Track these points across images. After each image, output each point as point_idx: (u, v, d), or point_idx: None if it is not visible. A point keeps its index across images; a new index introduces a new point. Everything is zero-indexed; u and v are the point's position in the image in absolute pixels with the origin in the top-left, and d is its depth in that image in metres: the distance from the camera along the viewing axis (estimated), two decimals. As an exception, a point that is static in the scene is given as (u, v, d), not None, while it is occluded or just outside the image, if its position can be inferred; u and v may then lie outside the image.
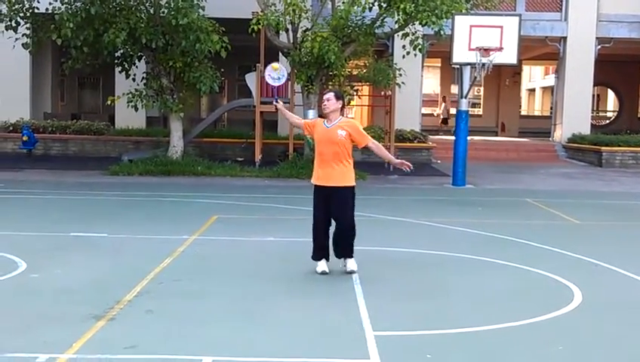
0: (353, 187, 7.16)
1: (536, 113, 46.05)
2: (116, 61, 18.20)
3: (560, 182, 17.28)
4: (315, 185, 7.20)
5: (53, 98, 26.00)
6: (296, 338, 5.26)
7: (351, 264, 7.21)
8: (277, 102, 7.75)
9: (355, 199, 7.21)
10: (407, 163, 7.27)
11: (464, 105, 15.94)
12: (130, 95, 17.62)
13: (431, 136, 22.32)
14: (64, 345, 4.91)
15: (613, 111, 37.28)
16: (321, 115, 7.34)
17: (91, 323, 5.41)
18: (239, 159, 19.65)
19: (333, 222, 7.20)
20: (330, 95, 7.18)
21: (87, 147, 21.63)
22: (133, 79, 17.96)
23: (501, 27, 14.97)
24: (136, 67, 18.24)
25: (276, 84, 7.45)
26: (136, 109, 17.96)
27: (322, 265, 7.22)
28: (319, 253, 7.28)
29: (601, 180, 17.93)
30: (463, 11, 15.82)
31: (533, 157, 23.54)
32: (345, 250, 7.22)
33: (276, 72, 7.40)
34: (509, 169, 20.16)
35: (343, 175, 7.08)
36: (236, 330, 5.39)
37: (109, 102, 18.23)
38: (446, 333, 5.45)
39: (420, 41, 17.00)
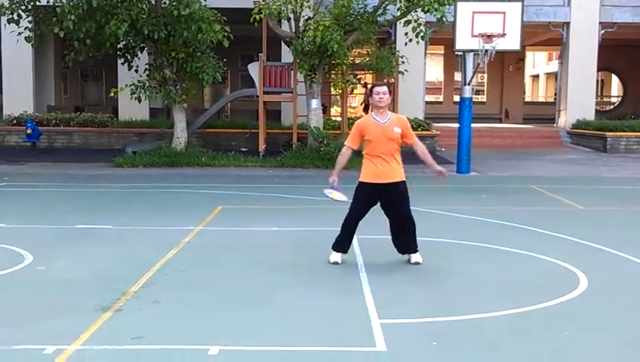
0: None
1: (540, 99, 45.93)
2: (118, 53, 18.20)
3: (565, 169, 17.25)
4: (369, 183, 7.08)
5: (57, 91, 26.02)
6: (302, 327, 5.27)
7: (416, 257, 7.16)
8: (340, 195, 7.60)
9: None
10: (445, 172, 7.18)
11: (467, 92, 15.90)
12: (133, 86, 17.61)
13: (435, 124, 22.27)
14: (72, 337, 4.93)
15: (618, 97, 37.19)
16: (366, 108, 7.25)
17: (98, 315, 5.43)
18: (243, 149, 19.66)
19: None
20: (385, 88, 7.09)
21: (91, 139, 21.65)
22: (136, 70, 17.95)
23: (504, 13, 14.92)
24: (139, 58, 18.23)
25: (342, 199, 7.49)
26: (140, 101, 17.96)
27: (338, 256, 7.21)
28: (345, 245, 7.25)
29: (605, 166, 17.89)
30: (466, -2, 15.74)
31: (537, 144, 23.49)
32: (410, 244, 7.18)
33: (339, 199, 7.43)
34: (513, 156, 20.13)
35: (400, 170, 7.06)
36: (242, 320, 5.41)
37: (112, 94, 18.25)
38: (452, 320, 5.46)
39: (422, 28, 16.94)
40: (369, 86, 7.55)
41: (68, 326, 5.18)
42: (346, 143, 7.33)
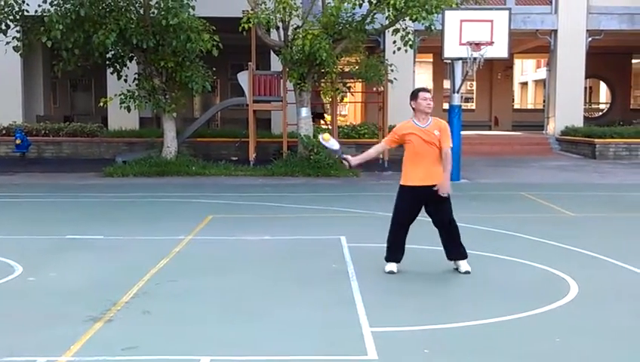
0: None
1: (529, 106, 46.18)
2: (107, 62, 18.17)
3: (554, 175, 17.32)
4: (413, 186, 7.04)
5: (46, 100, 25.94)
6: (293, 336, 5.27)
7: (464, 265, 7.14)
8: (347, 157, 7.52)
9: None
10: (446, 190, 7.03)
11: (456, 100, 15.95)
12: (122, 96, 17.58)
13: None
14: (62, 348, 4.91)
15: (606, 103, 37.40)
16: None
17: (89, 325, 5.41)
18: (233, 158, 19.65)
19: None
20: (430, 94, 7.19)
21: (80, 149, 21.59)
22: (125, 80, 17.92)
23: (491, 21, 14.99)
24: (128, 68, 18.20)
25: (333, 148, 7.37)
26: (129, 110, 17.93)
27: (394, 266, 7.14)
28: (398, 254, 7.16)
29: (595, 172, 17.98)
30: (453, 6, 15.82)
31: (526, 151, 23.59)
32: (458, 250, 7.18)
33: (327, 143, 7.32)
34: (503, 163, 20.20)
35: (441, 173, 7.03)
36: (233, 329, 5.40)
37: (101, 104, 18.23)
38: (443, 328, 5.46)
39: (410, 36, 17.00)
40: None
41: (59, 337, 5.15)
42: (383, 141, 7.41)
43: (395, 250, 7.16)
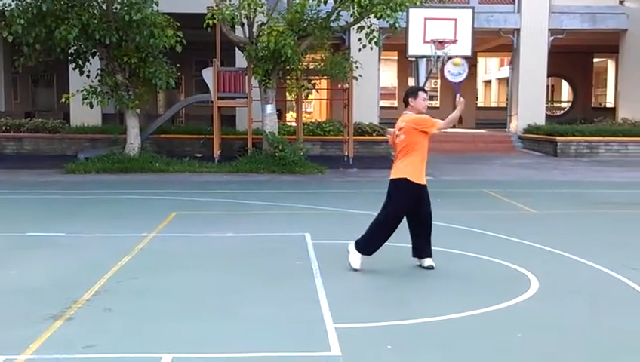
0: None
1: (493, 104, 46.59)
2: (69, 58, 17.93)
3: (516, 173, 17.52)
4: (419, 184, 7.07)
5: (6, 96, 25.54)
6: (257, 333, 5.26)
7: (429, 261, 7.22)
8: (459, 98, 7.51)
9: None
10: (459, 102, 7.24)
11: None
12: (84, 92, 17.37)
13: (390, 129, 22.40)
14: (21, 346, 4.83)
15: (568, 102, 37.93)
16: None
17: (49, 323, 5.34)
18: (198, 155, 19.52)
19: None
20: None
21: (42, 145, 21.27)
22: (88, 76, 17.69)
23: (455, 19, 15.17)
24: (90, 63, 17.97)
25: (456, 80, 7.31)
26: (92, 106, 17.72)
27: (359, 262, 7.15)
28: (374, 249, 7.15)
29: (556, 170, 18.23)
30: (417, 4, 15.92)
31: (490, 149, 23.82)
32: (429, 248, 7.24)
33: (457, 68, 7.23)
34: (466, 160, 20.38)
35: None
36: (195, 327, 5.37)
37: (63, 100, 17.99)
38: (406, 324, 5.50)
39: (375, 34, 17.05)
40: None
41: (17, 335, 5.08)
42: (437, 126, 7.23)
43: (376, 246, 7.14)
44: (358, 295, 6.38)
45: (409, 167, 7.04)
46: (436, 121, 7.10)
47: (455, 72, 7.03)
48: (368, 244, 7.12)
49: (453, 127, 29.01)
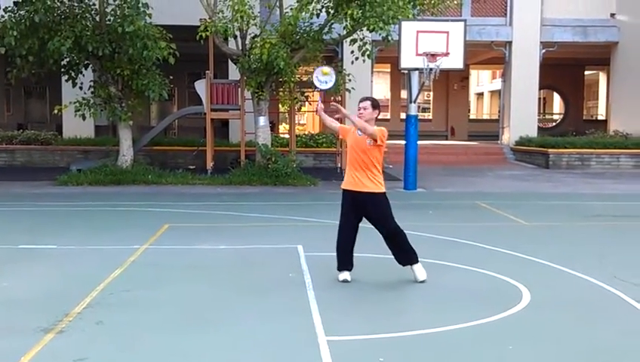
0: (383, 193, 7.11)
1: (485, 117, 46.78)
2: (62, 70, 17.93)
3: (508, 185, 17.57)
4: (343, 190, 7.19)
5: (-1, 108, 25.48)
6: (249, 346, 5.25)
7: (418, 268, 7.23)
8: (320, 105, 7.51)
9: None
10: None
11: (413, 109, 16.10)
12: (77, 104, 17.37)
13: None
14: (12, 359, 4.82)
15: (559, 114, 38.09)
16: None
17: (40, 336, 5.32)
18: (191, 167, 19.53)
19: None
20: (367, 103, 7.05)
21: (34, 157, 21.26)
22: (80, 88, 17.70)
23: (447, 32, 15.19)
24: (83, 75, 17.98)
25: (323, 87, 7.36)
26: (84, 118, 17.71)
27: (343, 275, 7.17)
28: (343, 260, 7.17)
29: (548, 182, 18.28)
30: (410, 17, 15.97)
31: (482, 160, 23.90)
32: (406, 255, 7.23)
33: (325, 77, 7.28)
34: (459, 172, 20.42)
35: (369, 181, 7.06)
36: (187, 340, 5.36)
37: (55, 112, 17.98)
38: (398, 336, 5.50)
39: (368, 46, 17.12)
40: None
41: (8, 348, 5.06)
42: (340, 126, 7.38)
43: (339, 254, 7.21)
44: (351, 307, 6.38)
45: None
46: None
47: (322, 80, 7.13)
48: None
49: (446, 138, 28.67)
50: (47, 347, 5.13)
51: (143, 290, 6.82)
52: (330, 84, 7.30)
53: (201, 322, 5.80)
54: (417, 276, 7.16)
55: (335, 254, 7.24)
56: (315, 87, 7.34)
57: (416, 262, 7.20)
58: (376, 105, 7.14)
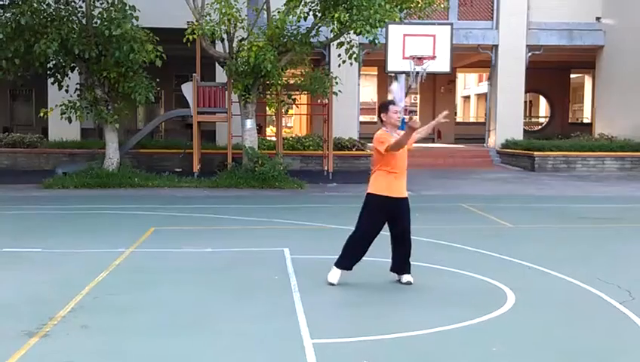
0: (369, 194, 7.13)
1: (472, 120, 46.94)
2: (48, 72, 17.87)
3: (494, 187, 17.65)
4: (385, 197, 7.00)
5: (-16, 111, 25.33)
6: (234, 349, 5.26)
7: (407, 277, 7.25)
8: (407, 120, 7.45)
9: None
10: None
11: (400, 112, 16.10)
12: (63, 106, 17.30)
13: (369, 144, 22.48)
14: (-5, 364, 4.81)
15: (545, 117, 38.28)
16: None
17: (24, 340, 5.30)
18: (177, 170, 19.47)
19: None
20: (397, 107, 7.14)
21: (19, 160, 21.15)
22: (67, 90, 17.64)
23: (434, 36, 15.27)
24: (69, 78, 17.91)
25: (401, 105, 7.29)
26: (70, 121, 17.65)
27: (337, 277, 7.17)
28: (352, 263, 7.18)
29: (533, 184, 18.38)
30: (397, 20, 16.04)
31: (468, 163, 23.99)
32: (407, 265, 7.24)
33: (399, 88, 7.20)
34: (445, 175, 20.50)
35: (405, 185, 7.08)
36: (172, 344, 5.35)
37: (41, 115, 17.89)
38: (383, 339, 5.52)
39: (355, 49, 17.17)
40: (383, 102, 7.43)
41: (-8, 352, 5.04)
42: (387, 147, 6.93)
43: (352, 259, 7.18)
44: (336, 310, 6.39)
45: (374, 182, 7.09)
46: (388, 141, 6.94)
47: (400, 97, 7.00)
48: (344, 259, 7.17)
49: (433, 141, 28.79)
50: (31, 351, 5.12)
51: (128, 294, 6.81)
52: (401, 100, 7.24)
53: (187, 325, 5.80)
54: (406, 279, 7.20)
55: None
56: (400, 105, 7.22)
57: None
58: None
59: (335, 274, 7.15)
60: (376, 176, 7.08)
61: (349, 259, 7.16)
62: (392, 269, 7.32)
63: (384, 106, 7.23)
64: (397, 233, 7.18)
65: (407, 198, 7.14)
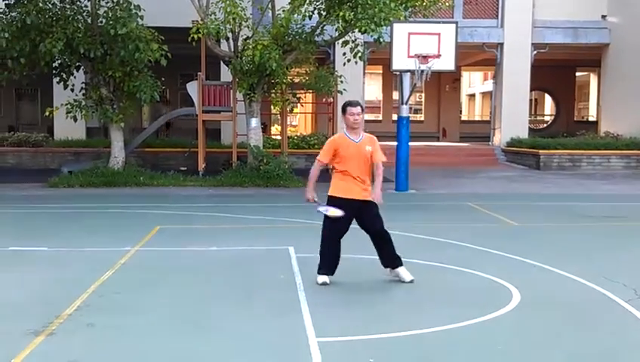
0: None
1: (477, 118, 46.85)
2: (54, 72, 17.90)
3: (499, 186, 17.62)
4: (340, 197, 7.01)
5: (-10, 110, 25.40)
6: (239, 347, 5.26)
7: (402, 272, 7.22)
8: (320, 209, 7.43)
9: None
10: (379, 201, 7.10)
11: (405, 111, 16.14)
12: (69, 106, 17.34)
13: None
14: (2, 362, 4.82)
15: (551, 115, 38.19)
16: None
17: (30, 339, 5.32)
18: (182, 168, 19.51)
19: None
20: (359, 109, 7.04)
21: (25, 159, 21.22)
22: (72, 90, 17.67)
23: (439, 34, 15.25)
24: (75, 77, 17.96)
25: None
26: (76, 120, 17.69)
27: (324, 278, 7.13)
28: (330, 265, 7.14)
29: (539, 183, 18.34)
30: (402, 19, 16.02)
31: (473, 162, 23.95)
32: (393, 258, 7.22)
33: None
34: (450, 173, 20.46)
35: (369, 189, 7.07)
36: (178, 343, 5.36)
37: (47, 114, 17.95)
38: (388, 337, 5.52)
39: (360, 48, 17.16)
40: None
41: (-2, 351, 5.06)
42: (317, 158, 7.21)
43: (326, 260, 7.16)
44: (342, 308, 6.39)
45: (331, 184, 7.14)
46: (322, 154, 7.14)
47: (334, 214, 7.03)
48: (322, 264, 7.19)
49: (438, 139, 28.73)
50: (37, 349, 5.13)
51: (133, 293, 6.83)
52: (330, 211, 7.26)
53: (192, 324, 5.81)
54: (401, 275, 7.19)
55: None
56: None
57: (400, 264, 7.19)
58: (363, 108, 7.19)
59: (321, 278, 7.16)
60: (333, 177, 7.15)
61: (325, 263, 7.17)
62: (384, 265, 7.31)
63: (343, 108, 7.19)
64: (372, 235, 7.19)
65: (368, 201, 7.05)
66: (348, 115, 7.04)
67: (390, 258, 7.24)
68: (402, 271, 7.23)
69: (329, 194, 7.12)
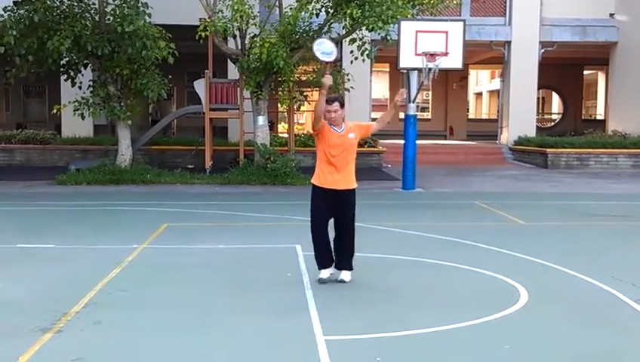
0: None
1: (484, 116, 46.73)
2: (62, 69, 17.92)
3: (507, 184, 17.58)
4: (322, 187, 7.03)
5: (-3, 107, 25.48)
6: (247, 346, 5.26)
7: (345, 274, 7.16)
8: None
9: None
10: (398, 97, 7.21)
11: (412, 109, 16.10)
12: (76, 103, 17.36)
13: (381, 141, 22.46)
14: (10, 359, 4.82)
15: (558, 114, 38.07)
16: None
17: (38, 336, 5.33)
18: (189, 166, 19.52)
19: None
20: (336, 105, 6.98)
21: (33, 157, 21.25)
22: (80, 87, 17.68)
23: (446, 32, 15.20)
24: (82, 75, 17.97)
25: (326, 59, 7.20)
26: (83, 118, 17.70)
27: (325, 273, 7.13)
28: (321, 258, 7.13)
29: (546, 181, 18.28)
30: (409, 17, 15.98)
31: (481, 160, 23.89)
32: (346, 261, 7.15)
33: (327, 47, 7.09)
34: (457, 172, 20.42)
35: (352, 178, 7.09)
36: (186, 340, 5.36)
37: (54, 111, 17.96)
38: (396, 336, 5.51)
39: (367, 46, 17.12)
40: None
41: (6, 348, 5.07)
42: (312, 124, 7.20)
43: (318, 252, 7.15)
44: (349, 307, 6.38)
45: (314, 173, 7.16)
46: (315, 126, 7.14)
47: (328, 51, 6.93)
48: (316, 257, 7.19)
49: (445, 137, 28.65)
50: (45, 347, 5.14)
51: (141, 290, 6.83)
52: (334, 55, 7.15)
53: (200, 321, 5.81)
54: (341, 277, 7.15)
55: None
56: (320, 60, 7.15)
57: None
58: (343, 103, 7.11)
59: (319, 274, 7.15)
60: (316, 166, 7.14)
61: (317, 257, 7.17)
62: (338, 267, 7.18)
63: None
64: (339, 229, 7.13)
65: (348, 191, 7.04)
66: (325, 112, 7.00)
67: (344, 259, 7.15)
68: (346, 274, 7.16)
69: (312, 182, 7.13)
